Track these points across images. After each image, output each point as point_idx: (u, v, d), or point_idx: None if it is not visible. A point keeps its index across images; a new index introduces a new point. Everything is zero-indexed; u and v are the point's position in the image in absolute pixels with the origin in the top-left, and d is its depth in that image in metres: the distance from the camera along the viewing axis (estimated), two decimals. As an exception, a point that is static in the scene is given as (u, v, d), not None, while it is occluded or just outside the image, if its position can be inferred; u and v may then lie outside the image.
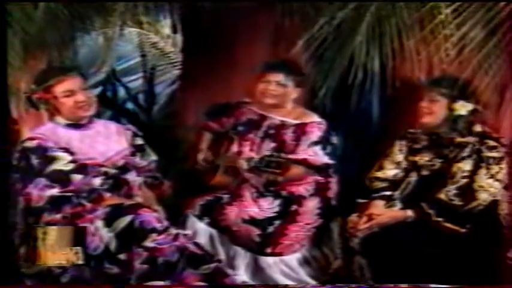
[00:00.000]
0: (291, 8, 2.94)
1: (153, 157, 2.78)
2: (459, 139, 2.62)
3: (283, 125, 2.93)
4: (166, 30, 4.58)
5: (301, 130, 2.89)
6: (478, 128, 2.63)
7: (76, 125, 2.60)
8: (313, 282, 2.79)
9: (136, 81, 4.69)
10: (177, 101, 4.04)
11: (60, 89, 2.53)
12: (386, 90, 2.96)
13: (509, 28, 2.46)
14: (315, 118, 2.92)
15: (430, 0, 2.58)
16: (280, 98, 2.91)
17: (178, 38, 4.15)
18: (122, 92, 4.43)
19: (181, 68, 4.00)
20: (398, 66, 2.72)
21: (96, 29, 3.19)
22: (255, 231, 2.79)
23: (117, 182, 2.57)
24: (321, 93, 2.81)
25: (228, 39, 3.42)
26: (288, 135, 2.90)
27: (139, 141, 2.76)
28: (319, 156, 2.84)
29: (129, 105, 4.45)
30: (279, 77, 2.88)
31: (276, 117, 2.95)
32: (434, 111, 2.64)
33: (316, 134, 2.87)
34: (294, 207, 2.85)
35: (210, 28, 3.43)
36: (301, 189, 2.88)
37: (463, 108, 2.60)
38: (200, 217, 2.86)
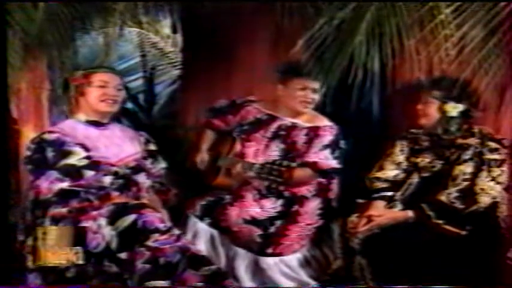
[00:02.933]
0: (291, 8, 2.93)
1: (163, 164, 2.79)
2: (460, 140, 2.62)
3: (295, 127, 2.89)
4: (166, 30, 4.60)
5: (314, 133, 2.86)
6: (479, 129, 2.62)
7: (95, 122, 2.63)
8: (313, 282, 2.79)
9: (136, 81, 4.70)
10: (177, 101, 4.04)
11: (98, 77, 2.61)
12: (386, 90, 2.96)
13: (509, 28, 2.46)
14: (327, 122, 2.90)
15: (430, 0, 2.58)
16: (312, 104, 2.89)
17: (178, 38, 4.16)
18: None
19: (181, 68, 4.00)
20: (398, 66, 2.72)
21: (96, 29, 3.19)
22: (256, 232, 2.78)
23: (127, 182, 2.57)
24: (321, 93, 2.81)
25: (228, 39, 3.42)
26: (301, 138, 2.86)
27: (152, 147, 2.79)
28: (329, 160, 2.81)
29: (129, 105, 4.44)
30: (316, 84, 2.83)
31: (287, 119, 2.92)
32: (428, 113, 2.66)
33: (328, 137, 2.84)
34: (296, 207, 2.84)
35: (210, 28, 3.44)
36: (304, 190, 2.86)
37: (453, 109, 2.62)
38: (201, 217, 2.86)
